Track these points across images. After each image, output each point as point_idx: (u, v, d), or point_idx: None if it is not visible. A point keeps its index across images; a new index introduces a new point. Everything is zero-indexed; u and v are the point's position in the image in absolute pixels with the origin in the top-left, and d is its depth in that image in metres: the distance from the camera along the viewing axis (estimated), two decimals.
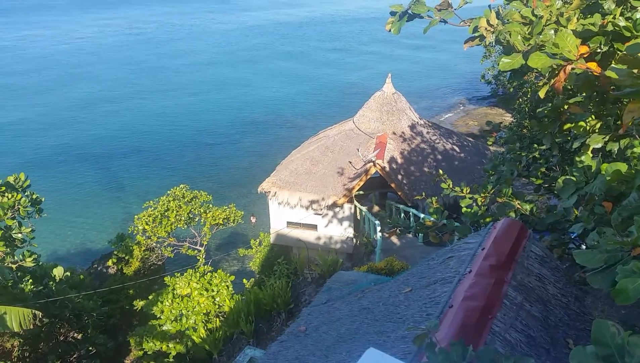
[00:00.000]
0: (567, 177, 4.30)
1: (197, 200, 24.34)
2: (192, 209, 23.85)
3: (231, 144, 51.73)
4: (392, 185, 21.49)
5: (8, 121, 58.30)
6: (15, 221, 13.55)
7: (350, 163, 22.55)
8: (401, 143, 23.69)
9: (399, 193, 21.60)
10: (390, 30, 5.95)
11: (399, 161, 22.64)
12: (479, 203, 8.73)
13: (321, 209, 22.18)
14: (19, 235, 13.55)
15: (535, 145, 11.36)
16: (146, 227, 22.66)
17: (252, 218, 30.20)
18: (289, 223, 23.65)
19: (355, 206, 22.70)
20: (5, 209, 13.05)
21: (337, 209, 22.52)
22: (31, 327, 9.69)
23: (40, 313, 9.87)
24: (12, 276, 13.16)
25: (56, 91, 71.02)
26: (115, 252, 23.16)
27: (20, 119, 59.02)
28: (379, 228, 18.00)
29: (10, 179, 14.10)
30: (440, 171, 10.42)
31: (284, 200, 22.70)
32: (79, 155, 49.00)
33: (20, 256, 13.32)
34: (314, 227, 23.29)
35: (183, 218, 23.28)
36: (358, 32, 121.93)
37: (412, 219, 19.46)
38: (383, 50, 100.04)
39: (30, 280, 15.58)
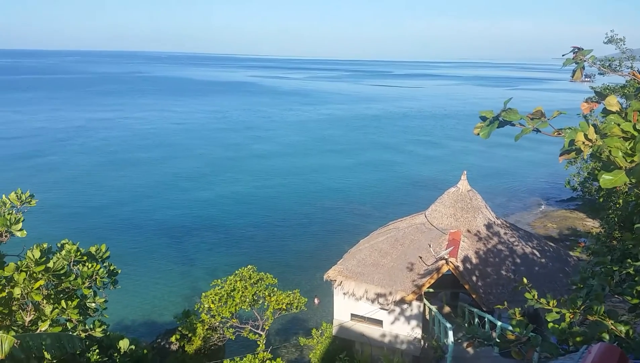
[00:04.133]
0: None
1: (262, 282, 24.30)
2: (257, 292, 23.77)
3: (299, 229, 52.28)
4: (466, 286, 20.41)
5: (93, 191, 63.01)
6: (91, 290, 14.04)
7: (421, 258, 21.85)
8: (476, 242, 22.78)
9: (473, 296, 20.41)
10: (478, 135, 5.89)
11: (474, 261, 21.65)
12: (568, 319, 8.03)
13: (388, 305, 21.31)
14: (93, 305, 13.96)
15: (629, 260, 10.49)
16: (212, 306, 22.75)
17: (315, 299, 29.58)
18: (353, 316, 22.84)
19: (425, 305, 21.64)
20: (84, 278, 13.59)
21: (404, 306, 21.56)
22: None
23: None
24: (81, 345, 13.40)
25: (138, 168, 76.48)
26: (180, 328, 23.24)
27: (104, 190, 63.66)
28: (450, 332, 16.88)
29: (92, 249, 14.79)
30: (525, 280, 9.76)
31: (349, 291, 22.13)
32: (153, 228, 51.33)
33: (91, 326, 13.60)
34: (379, 323, 22.31)
35: (248, 299, 23.21)
36: (431, 128, 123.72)
37: (487, 326, 18.16)
38: (456, 145, 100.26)
39: (97, 350, 15.82)
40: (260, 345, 22.34)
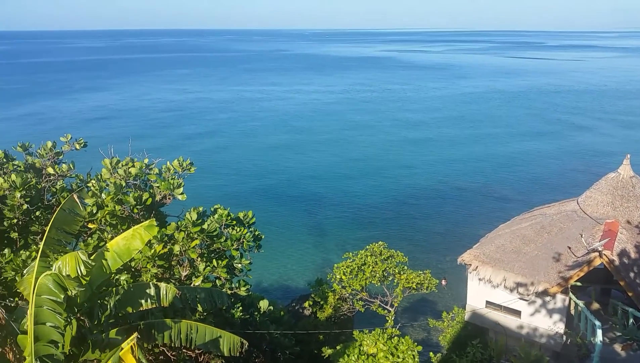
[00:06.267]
0: None
1: (392, 259, 24.31)
2: (387, 268, 23.86)
3: (431, 208, 51.16)
4: (621, 282, 18.24)
5: (242, 161, 68.04)
6: (238, 252, 15.23)
7: (570, 248, 19.98)
8: (637, 234, 20.17)
9: (629, 293, 18.19)
10: None
11: (632, 255, 19.22)
12: None
13: (528, 295, 19.95)
14: (239, 265, 15.15)
15: None
16: (343, 277, 23.39)
17: (443, 281, 28.91)
18: (488, 303, 21.82)
19: (570, 299, 19.86)
20: (233, 241, 14.76)
21: (547, 298, 20.01)
22: (237, 354, 10.50)
23: (247, 343, 10.65)
24: (228, 301, 14.68)
25: (281, 142, 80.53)
26: (313, 295, 24.33)
27: (251, 161, 68.40)
28: (599, 331, 15.29)
29: (241, 215, 15.97)
30: None
31: (485, 277, 21.12)
32: (291, 200, 54.06)
33: (236, 284, 14.79)
34: (516, 313, 21.04)
35: (378, 275, 23.43)
36: (587, 105, 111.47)
37: None
38: (619, 125, 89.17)
39: (240, 308, 17.22)
40: (389, 321, 22.50)
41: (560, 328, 20.09)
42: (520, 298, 20.16)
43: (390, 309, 23.67)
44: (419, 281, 23.66)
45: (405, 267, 24.31)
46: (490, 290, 21.18)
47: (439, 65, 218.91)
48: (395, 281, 23.88)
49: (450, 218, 48.31)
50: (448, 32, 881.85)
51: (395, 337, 18.01)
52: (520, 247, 21.29)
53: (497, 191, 55.43)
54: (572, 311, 20.42)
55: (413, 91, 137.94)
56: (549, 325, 20.29)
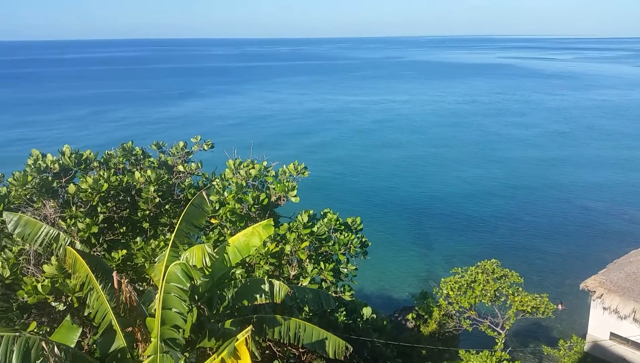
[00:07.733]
0: None
1: (506, 279, 22.98)
2: (500, 288, 22.60)
3: (550, 227, 47.59)
4: None
5: (350, 167, 68.71)
6: (345, 257, 15.41)
7: None
8: None
9: None
10: None
11: None
12: None
13: None
14: (345, 270, 15.31)
15: None
16: (450, 293, 22.61)
17: (559, 305, 26.76)
18: (613, 335, 19.80)
19: None
20: (340, 245, 14.97)
21: None
22: (341, 357, 10.60)
23: (351, 348, 10.71)
24: (333, 305, 14.88)
25: (390, 150, 79.98)
26: (416, 308, 23.83)
27: (359, 167, 68.81)
28: None
29: (349, 220, 16.14)
30: None
31: (611, 306, 19.20)
32: (398, 208, 53.36)
33: (341, 289, 14.93)
34: None
35: (489, 294, 22.29)
36: None
37: None
38: None
39: (344, 312, 17.37)
40: (499, 344, 21.33)
41: None
42: None
43: (501, 331, 22.41)
44: (535, 305, 22.08)
45: (520, 288, 22.84)
46: (617, 321, 19.23)
47: (566, 74, 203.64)
48: (508, 302, 22.54)
49: (573, 240, 44.61)
50: (572, 40, 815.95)
51: (505, 361, 17.06)
52: None
53: (629, 213, 50.05)
54: None
55: (536, 100, 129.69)
56: None
